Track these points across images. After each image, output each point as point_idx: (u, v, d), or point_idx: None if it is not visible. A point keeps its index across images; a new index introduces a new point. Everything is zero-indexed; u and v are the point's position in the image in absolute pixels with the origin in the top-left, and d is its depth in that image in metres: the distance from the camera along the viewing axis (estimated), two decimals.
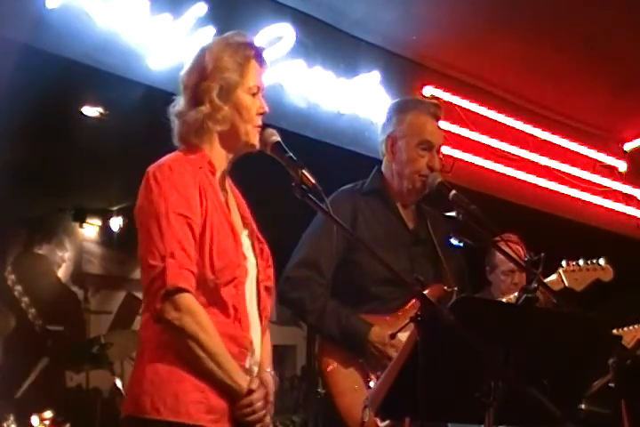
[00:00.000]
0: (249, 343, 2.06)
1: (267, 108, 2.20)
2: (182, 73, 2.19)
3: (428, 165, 2.86)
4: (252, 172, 2.39)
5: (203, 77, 2.12)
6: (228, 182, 2.25)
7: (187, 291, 1.94)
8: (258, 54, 2.21)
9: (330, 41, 4.98)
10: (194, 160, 2.12)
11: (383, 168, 3.01)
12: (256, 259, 2.15)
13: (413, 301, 2.66)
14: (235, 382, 1.96)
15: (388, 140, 2.95)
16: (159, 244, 1.97)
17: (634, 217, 6.63)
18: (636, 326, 3.55)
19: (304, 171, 2.05)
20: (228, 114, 2.13)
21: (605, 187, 6.47)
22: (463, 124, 5.59)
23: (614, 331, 3.34)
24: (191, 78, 2.15)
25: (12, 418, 4.13)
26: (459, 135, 5.56)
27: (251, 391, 1.97)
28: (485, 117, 5.78)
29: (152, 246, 1.98)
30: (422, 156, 2.87)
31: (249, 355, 2.06)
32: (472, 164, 5.60)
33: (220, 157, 2.18)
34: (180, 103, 2.17)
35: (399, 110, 2.98)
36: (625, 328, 3.54)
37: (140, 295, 6.52)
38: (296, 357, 7.74)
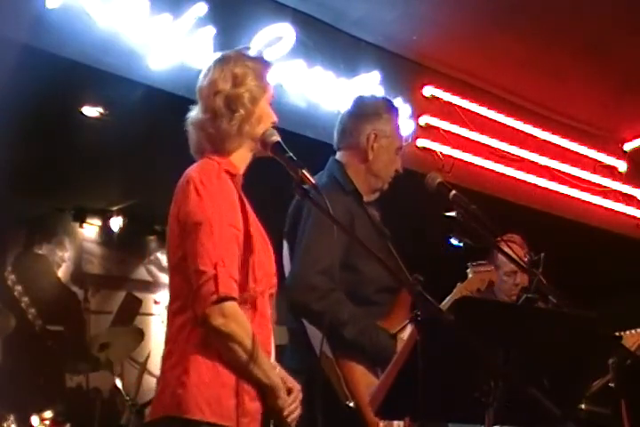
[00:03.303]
0: (271, 348, 2.15)
1: (276, 119, 2.29)
2: (204, 83, 2.24)
3: (396, 170, 2.94)
4: (252, 172, 2.38)
5: (234, 84, 2.20)
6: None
7: (234, 299, 2.00)
8: (270, 66, 2.32)
9: (330, 41, 4.98)
10: (229, 169, 2.17)
11: (346, 160, 2.94)
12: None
13: (398, 302, 2.73)
14: (272, 382, 2.03)
15: (372, 135, 2.90)
16: (211, 250, 2.00)
17: (634, 217, 6.62)
18: (638, 330, 3.52)
19: (304, 171, 2.06)
20: (259, 117, 2.22)
21: (605, 187, 6.46)
22: (463, 124, 5.59)
23: (616, 334, 3.32)
24: (221, 85, 2.20)
25: (12, 418, 4.13)
26: (459, 135, 5.56)
27: (290, 390, 2.08)
28: (485, 117, 5.78)
29: (203, 252, 2.01)
30: (396, 160, 2.95)
31: (271, 359, 2.15)
32: (472, 164, 5.60)
33: (240, 165, 2.24)
34: (199, 112, 2.22)
35: (387, 110, 2.98)
36: (627, 332, 3.51)
37: (139, 295, 6.55)
38: None
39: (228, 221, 2.05)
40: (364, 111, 2.96)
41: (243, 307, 2.04)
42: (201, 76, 2.27)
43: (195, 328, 2.02)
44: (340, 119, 3.02)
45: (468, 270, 3.06)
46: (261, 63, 2.29)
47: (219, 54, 2.32)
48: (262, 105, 2.24)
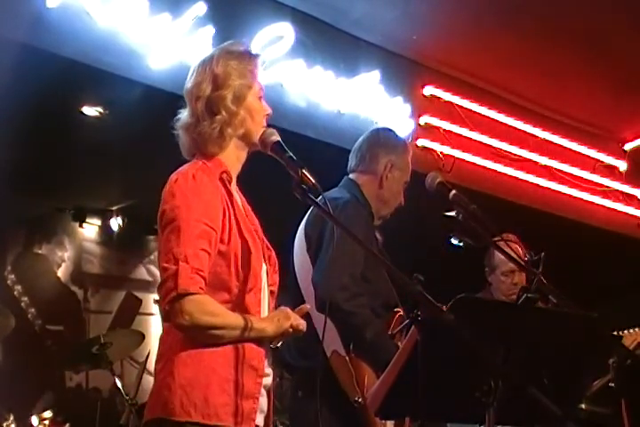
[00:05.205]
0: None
1: (270, 110, 2.27)
2: (188, 86, 2.22)
3: (400, 202, 3.11)
4: (251, 172, 2.38)
5: (216, 87, 2.18)
6: (237, 189, 2.28)
7: (196, 293, 1.97)
8: (257, 58, 2.28)
9: (330, 40, 4.98)
10: (214, 169, 2.16)
11: (361, 182, 3.08)
12: (265, 265, 2.20)
13: (395, 318, 2.84)
14: (271, 332, 2.04)
15: (388, 164, 3.06)
16: (175, 248, 1.99)
17: (634, 217, 6.62)
18: (636, 330, 3.52)
19: (304, 170, 2.05)
20: (242, 118, 2.19)
21: (605, 187, 6.47)
22: (463, 124, 5.59)
23: (616, 334, 3.33)
24: (203, 89, 2.18)
25: (12, 418, 4.13)
26: (459, 135, 5.56)
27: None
28: (485, 117, 5.78)
29: (168, 249, 2.01)
30: (401, 193, 3.11)
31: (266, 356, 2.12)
32: (472, 164, 5.60)
33: (234, 163, 2.23)
34: (187, 116, 2.21)
35: (404, 147, 3.17)
36: (625, 331, 3.51)
37: (139, 295, 6.56)
38: None
39: (196, 218, 2.02)
40: (384, 142, 3.13)
41: (229, 305, 2.03)
42: (187, 78, 2.25)
43: (177, 330, 2.02)
44: (358, 145, 3.16)
45: None
46: (246, 58, 2.24)
47: None
48: (249, 102, 2.21)
